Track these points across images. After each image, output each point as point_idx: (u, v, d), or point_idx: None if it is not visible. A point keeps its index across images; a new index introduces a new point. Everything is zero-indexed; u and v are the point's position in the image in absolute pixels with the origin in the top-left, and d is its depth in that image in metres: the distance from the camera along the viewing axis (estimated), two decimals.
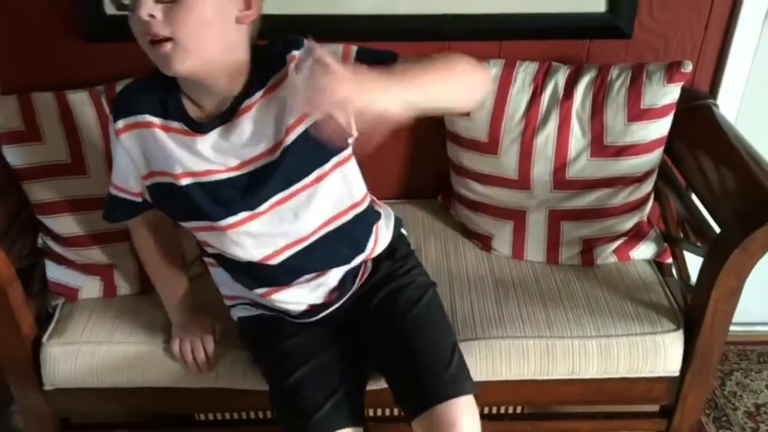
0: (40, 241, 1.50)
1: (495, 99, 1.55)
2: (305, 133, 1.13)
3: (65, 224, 1.46)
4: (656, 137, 1.52)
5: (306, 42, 1.11)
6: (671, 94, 1.50)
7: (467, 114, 1.54)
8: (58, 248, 1.48)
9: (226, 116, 1.14)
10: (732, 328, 2.02)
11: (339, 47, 1.14)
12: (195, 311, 1.41)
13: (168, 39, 1.04)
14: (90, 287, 1.50)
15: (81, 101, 1.49)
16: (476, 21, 1.58)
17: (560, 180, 1.55)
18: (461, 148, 1.61)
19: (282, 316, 1.32)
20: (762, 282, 1.97)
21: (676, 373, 1.45)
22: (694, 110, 1.62)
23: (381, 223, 1.35)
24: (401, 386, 1.24)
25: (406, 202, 1.76)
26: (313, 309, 1.30)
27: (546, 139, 1.53)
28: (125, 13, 1.07)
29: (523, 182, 1.56)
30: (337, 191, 1.22)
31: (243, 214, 1.18)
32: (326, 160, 1.18)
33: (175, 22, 1.03)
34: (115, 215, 1.33)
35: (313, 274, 1.26)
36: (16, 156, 1.43)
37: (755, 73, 1.68)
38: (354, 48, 1.14)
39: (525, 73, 1.56)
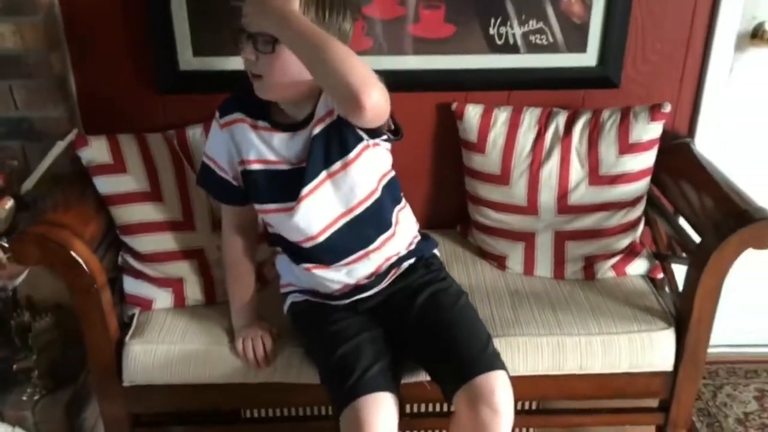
0: (120, 258, 1.75)
1: (506, 138, 1.83)
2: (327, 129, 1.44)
3: (144, 243, 1.71)
4: (643, 167, 1.80)
5: None
6: (654, 130, 1.78)
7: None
8: (136, 264, 1.72)
9: (300, 125, 1.46)
10: (722, 349, 2.29)
11: None
12: (256, 318, 1.65)
13: (260, 76, 1.36)
14: (163, 298, 1.73)
15: (157, 142, 1.77)
16: (488, 74, 1.87)
17: (563, 205, 1.81)
18: (478, 181, 1.87)
19: (326, 302, 1.57)
20: (748, 307, 2.23)
21: (671, 368, 1.67)
22: (675, 148, 1.90)
23: (404, 210, 1.63)
24: (444, 366, 1.47)
25: (430, 232, 2.01)
26: (347, 289, 1.56)
27: (550, 171, 1.81)
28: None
29: (531, 208, 1.83)
30: (366, 170, 1.50)
31: (306, 189, 1.47)
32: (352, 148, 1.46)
33: (265, 67, 1.38)
34: (228, 198, 1.60)
35: (347, 259, 1.53)
36: (105, 185, 1.69)
37: (726, 116, 1.97)
38: None
39: (531, 117, 1.85)
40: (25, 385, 1.76)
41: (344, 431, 1.42)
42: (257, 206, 1.55)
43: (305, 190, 1.47)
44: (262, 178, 1.50)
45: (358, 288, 1.57)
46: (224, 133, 1.53)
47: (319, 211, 1.50)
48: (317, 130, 1.45)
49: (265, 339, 1.61)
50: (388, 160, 1.57)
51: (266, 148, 1.49)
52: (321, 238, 1.51)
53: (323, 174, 1.47)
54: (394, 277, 1.60)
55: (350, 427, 1.40)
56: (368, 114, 1.25)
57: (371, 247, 1.55)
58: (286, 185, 1.49)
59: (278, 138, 1.49)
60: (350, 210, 1.51)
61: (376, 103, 1.24)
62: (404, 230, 1.62)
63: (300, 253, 1.56)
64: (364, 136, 1.44)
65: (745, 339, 2.30)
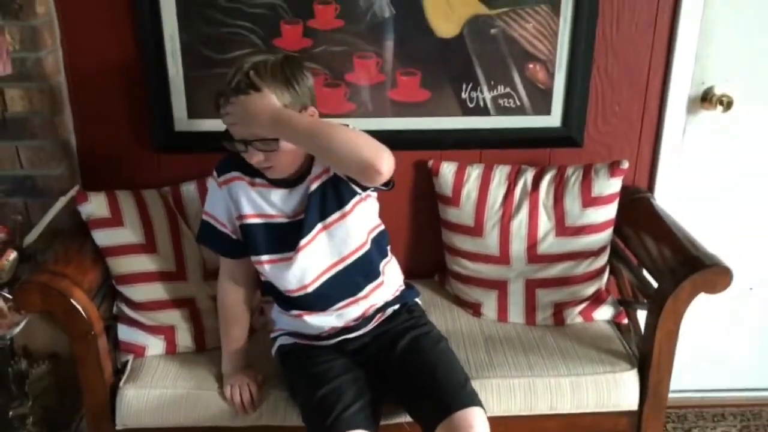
0: (115, 307, 1.84)
1: (478, 193, 1.97)
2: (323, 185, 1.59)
3: (138, 292, 1.81)
4: (606, 219, 1.94)
5: None
6: (614, 185, 1.93)
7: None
8: (130, 312, 1.82)
9: (296, 181, 1.60)
10: (690, 394, 2.39)
11: None
12: (244, 365, 1.74)
13: (271, 167, 1.56)
14: (155, 345, 1.82)
15: (152, 198, 1.89)
16: (461, 134, 2.03)
17: (533, 255, 1.94)
18: (453, 233, 2.00)
19: (313, 344, 1.67)
20: (712, 355, 2.35)
21: (635, 407, 1.78)
22: (636, 202, 2.05)
23: (390, 263, 1.75)
24: (424, 404, 1.56)
25: (410, 281, 2.12)
26: (335, 330, 1.67)
27: (520, 223, 1.94)
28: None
29: (503, 258, 1.95)
30: (358, 224, 1.63)
31: (304, 240, 1.60)
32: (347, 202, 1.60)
33: (272, 160, 1.55)
34: (228, 252, 1.71)
35: (337, 305, 1.64)
36: (103, 238, 1.80)
37: (682, 173, 2.13)
38: None
39: (501, 173, 2.00)
40: None
41: None
42: (254, 258, 1.66)
43: (303, 241, 1.60)
44: (261, 231, 1.62)
45: (345, 329, 1.68)
46: (222, 191, 1.65)
47: (313, 261, 1.62)
48: (314, 186, 1.59)
49: (251, 386, 1.70)
50: (376, 207, 1.70)
51: (264, 203, 1.62)
52: (313, 287, 1.63)
53: (319, 226, 1.61)
54: (379, 321, 1.71)
55: None
56: (385, 176, 1.44)
57: (360, 294, 1.67)
58: (284, 237, 1.61)
59: (276, 194, 1.62)
60: (342, 259, 1.64)
61: (389, 165, 1.44)
62: (390, 281, 1.75)
63: (291, 301, 1.67)
64: (358, 189, 1.58)
65: (712, 384, 2.41)
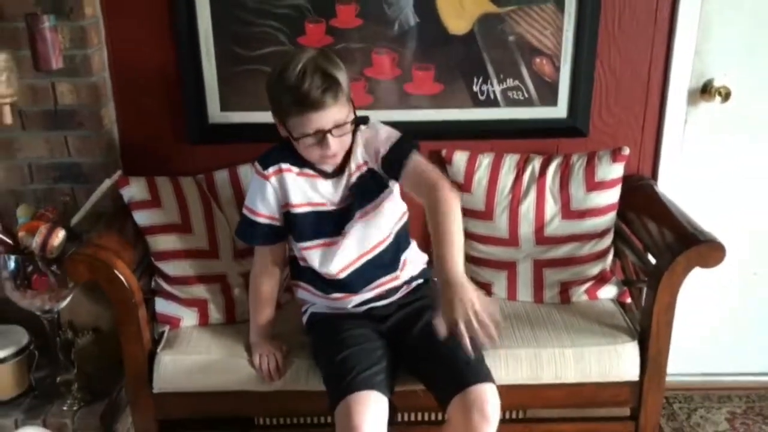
0: (153, 282, 2.01)
1: (489, 180, 2.10)
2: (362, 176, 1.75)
3: (174, 268, 1.97)
4: (609, 203, 2.06)
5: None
6: (616, 171, 2.05)
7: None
8: (167, 286, 1.98)
9: (339, 172, 1.76)
10: (695, 378, 2.49)
11: (393, 132, 1.76)
12: (270, 336, 1.89)
13: (334, 155, 1.70)
14: (189, 317, 1.98)
15: (188, 184, 2.06)
16: (473, 125, 2.16)
17: (540, 237, 2.07)
18: (465, 217, 2.11)
19: (341, 313, 1.81)
20: (718, 340, 2.44)
21: (636, 378, 1.89)
22: (639, 188, 2.16)
23: (411, 252, 1.89)
24: (441, 376, 1.68)
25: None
26: (364, 302, 1.82)
27: (528, 207, 2.07)
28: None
29: (512, 240, 2.08)
30: (389, 213, 1.79)
31: (348, 225, 1.76)
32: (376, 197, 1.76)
33: (342, 147, 1.69)
34: (264, 239, 1.82)
35: (372, 285, 1.80)
36: (143, 218, 1.97)
37: (684, 161, 2.24)
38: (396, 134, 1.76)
39: (510, 161, 2.13)
40: (66, 397, 2.00)
41: (337, 424, 1.63)
42: (301, 244, 1.79)
43: (348, 227, 1.76)
44: (310, 219, 1.76)
45: (373, 298, 1.83)
46: (271, 182, 1.75)
47: (353, 246, 1.77)
48: (354, 178, 1.75)
49: (277, 355, 1.84)
50: (398, 190, 1.83)
51: (314, 192, 1.76)
52: (350, 270, 1.78)
53: (358, 213, 1.76)
54: (405, 293, 1.86)
55: (341, 420, 1.61)
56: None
57: (394, 274, 1.83)
58: (330, 223, 1.77)
59: (324, 184, 1.76)
60: (375, 246, 1.79)
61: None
62: (416, 259, 1.91)
63: (328, 283, 1.81)
64: (389, 182, 1.76)
65: (719, 368, 2.50)
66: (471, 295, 1.48)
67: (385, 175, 1.73)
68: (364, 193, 1.76)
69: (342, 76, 1.64)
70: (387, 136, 1.74)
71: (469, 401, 1.61)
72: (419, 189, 1.68)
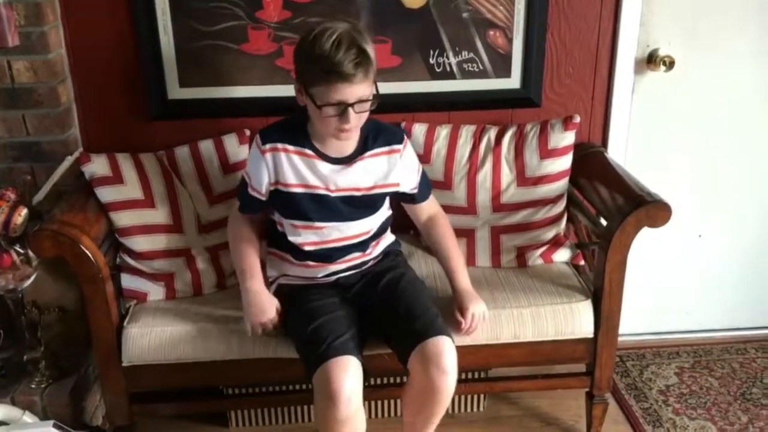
0: (118, 258, 2.02)
1: (447, 150, 2.17)
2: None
3: (139, 243, 1.98)
4: (561, 170, 2.14)
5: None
6: (568, 138, 2.13)
7: None
8: (132, 262, 2.00)
9: (346, 160, 1.80)
10: (647, 336, 2.60)
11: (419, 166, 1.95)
12: (266, 284, 1.88)
13: (352, 129, 1.72)
14: (156, 291, 2.01)
15: (149, 160, 2.07)
16: (430, 97, 2.22)
17: (497, 205, 2.14)
18: None
19: (309, 283, 1.87)
20: (667, 301, 2.56)
21: (591, 335, 1.98)
22: (590, 155, 2.25)
23: (384, 237, 1.97)
24: (400, 333, 1.76)
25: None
26: (333, 273, 1.88)
27: (485, 176, 2.14)
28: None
29: (471, 208, 2.15)
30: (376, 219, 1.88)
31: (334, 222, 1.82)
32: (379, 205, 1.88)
33: (356, 121, 1.70)
34: (248, 209, 1.86)
35: (349, 256, 1.87)
36: (105, 194, 1.97)
37: (632, 128, 2.34)
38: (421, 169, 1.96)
39: (467, 132, 2.19)
40: (34, 375, 2.01)
41: (316, 391, 1.69)
42: (294, 222, 1.82)
43: (338, 220, 1.81)
44: (304, 200, 1.79)
45: (344, 269, 1.89)
46: (265, 157, 1.77)
47: (338, 234, 1.83)
48: (359, 163, 1.80)
49: (277, 306, 1.84)
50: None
51: (311, 174, 1.78)
52: (330, 246, 1.84)
53: (355, 215, 1.83)
54: (372, 264, 1.94)
55: (321, 385, 1.66)
56: None
57: (367, 251, 1.90)
58: (322, 209, 1.80)
59: (324, 167, 1.78)
60: (358, 236, 1.86)
61: None
62: (387, 238, 1.99)
63: (307, 254, 1.85)
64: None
65: (667, 327, 2.63)
66: (483, 307, 1.87)
67: (400, 197, 1.93)
68: (367, 208, 1.85)
69: (373, 55, 1.67)
70: (418, 167, 1.94)
71: (426, 355, 1.69)
72: (421, 215, 2.00)
